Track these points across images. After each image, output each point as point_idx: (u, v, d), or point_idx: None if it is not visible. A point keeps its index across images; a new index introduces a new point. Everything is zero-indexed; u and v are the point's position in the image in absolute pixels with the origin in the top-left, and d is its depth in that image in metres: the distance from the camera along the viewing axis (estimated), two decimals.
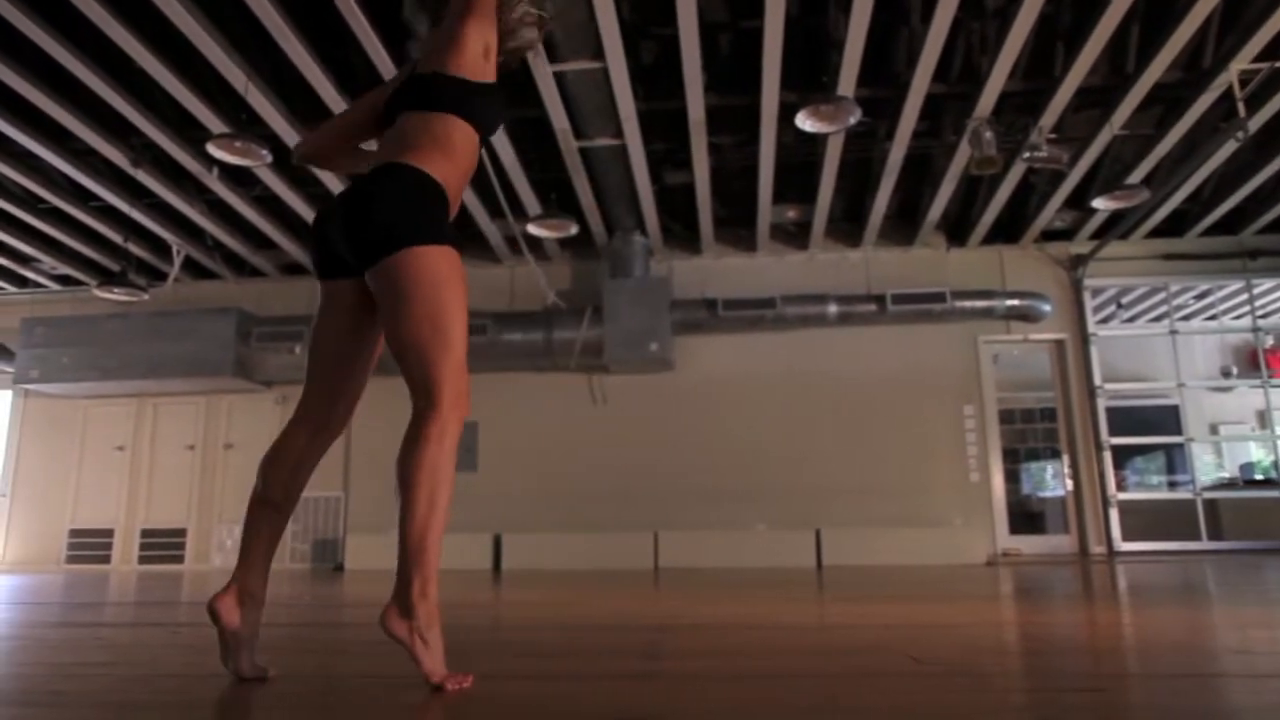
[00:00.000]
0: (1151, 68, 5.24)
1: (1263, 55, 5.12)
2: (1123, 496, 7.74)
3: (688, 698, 1.44)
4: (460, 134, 1.69)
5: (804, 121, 5.31)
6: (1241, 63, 5.16)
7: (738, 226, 8.06)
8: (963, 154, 6.15)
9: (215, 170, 6.30)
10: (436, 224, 1.58)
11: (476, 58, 1.73)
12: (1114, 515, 7.60)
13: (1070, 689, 1.49)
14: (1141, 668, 1.73)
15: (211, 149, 5.25)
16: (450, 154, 1.67)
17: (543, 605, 3.48)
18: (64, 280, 8.65)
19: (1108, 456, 7.71)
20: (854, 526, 7.47)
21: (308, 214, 7.18)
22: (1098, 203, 6.36)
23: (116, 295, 7.34)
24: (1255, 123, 5.63)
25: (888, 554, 7.17)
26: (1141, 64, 5.32)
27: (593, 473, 7.85)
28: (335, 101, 5.41)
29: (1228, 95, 5.44)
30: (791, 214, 7.85)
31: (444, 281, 1.54)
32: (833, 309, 7.84)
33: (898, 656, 1.85)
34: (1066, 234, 8.02)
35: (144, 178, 6.40)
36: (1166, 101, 5.93)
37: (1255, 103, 5.46)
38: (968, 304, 7.84)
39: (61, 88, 5.37)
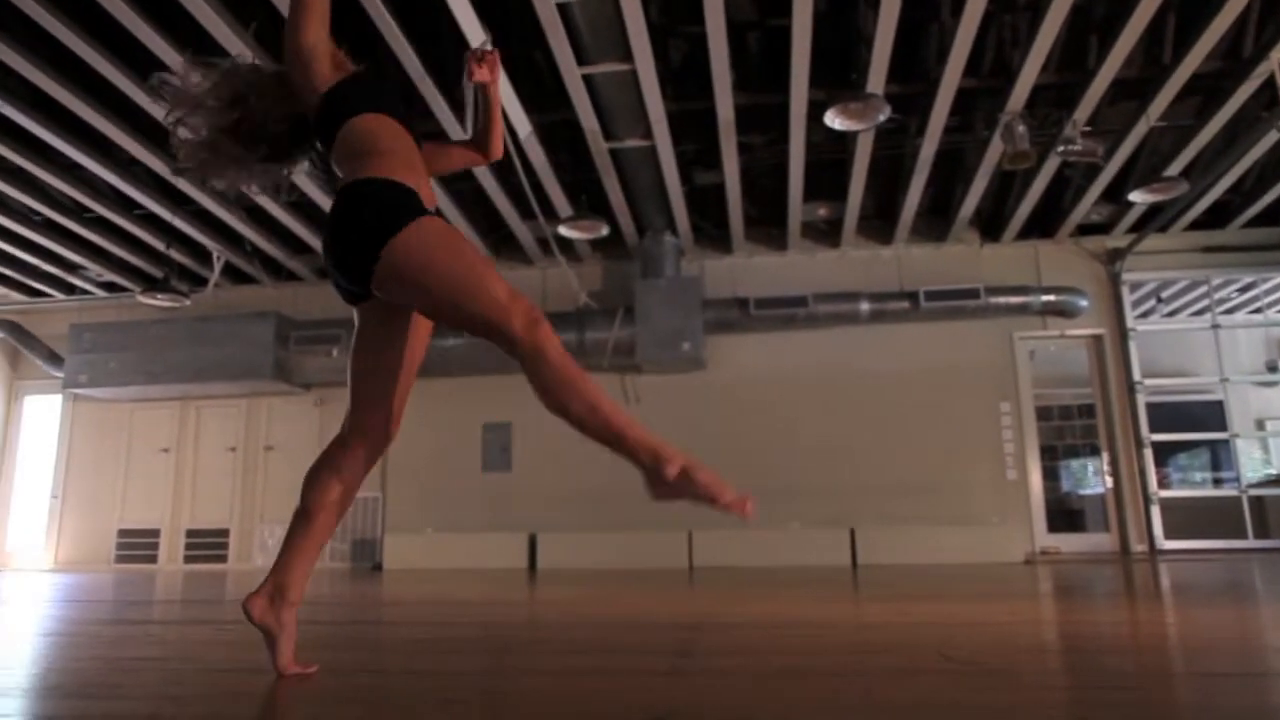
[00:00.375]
0: (1189, 58, 5.14)
1: None
2: (1165, 494, 7.60)
3: (719, 694, 1.46)
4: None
5: (833, 120, 5.29)
6: None
7: (768, 225, 8.04)
8: (995, 149, 6.09)
9: None
10: (394, 211, 1.57)
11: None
12: (1156, 513, 7.46)
13: (1105, 686, 1.48)
14: (1184, 666, 1.71)
15: None
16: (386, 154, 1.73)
17: (577, 603, 3.52)
18: (109, 287, 8.88)
19: (1148, 453, 7.58)
20: (888, 525, 7.42)
21: None
22: (1135, 196, 6.25)
23: (160, 301, 7.52)
24: None
25: (923, 553, 7.12)
26: (1179, 54, 5.23)
27: (626, 472, 7.81)
28: None
29: (1269, 84, 5.32)
30: (822, 212, 7.82)
31: (429, 250, 1.52)
32: (865, 307, 7.79)
33: (931, 654, 1.85)
34: (1103, 228, 7.89)
35: (184, 185, 6.55)
36: (1205, 92, 5.82)
37: None
38: (1003, 300, 7.75)
39: (105, 99, 5.51)
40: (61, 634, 2.56)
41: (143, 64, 5.10)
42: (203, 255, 8.09)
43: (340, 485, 1.71)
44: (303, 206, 7.24)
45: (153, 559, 8.71)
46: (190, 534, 8.72)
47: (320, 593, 4.50)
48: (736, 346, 8.10)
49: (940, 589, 4.01)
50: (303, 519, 1.70)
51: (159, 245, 7.70)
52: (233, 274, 8.65)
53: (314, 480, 1.71)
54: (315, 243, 7.81)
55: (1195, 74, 5.35)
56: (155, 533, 8.77)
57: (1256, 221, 7.64)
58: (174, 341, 8.35)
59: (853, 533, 7.41)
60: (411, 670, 1.79)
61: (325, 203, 6.99)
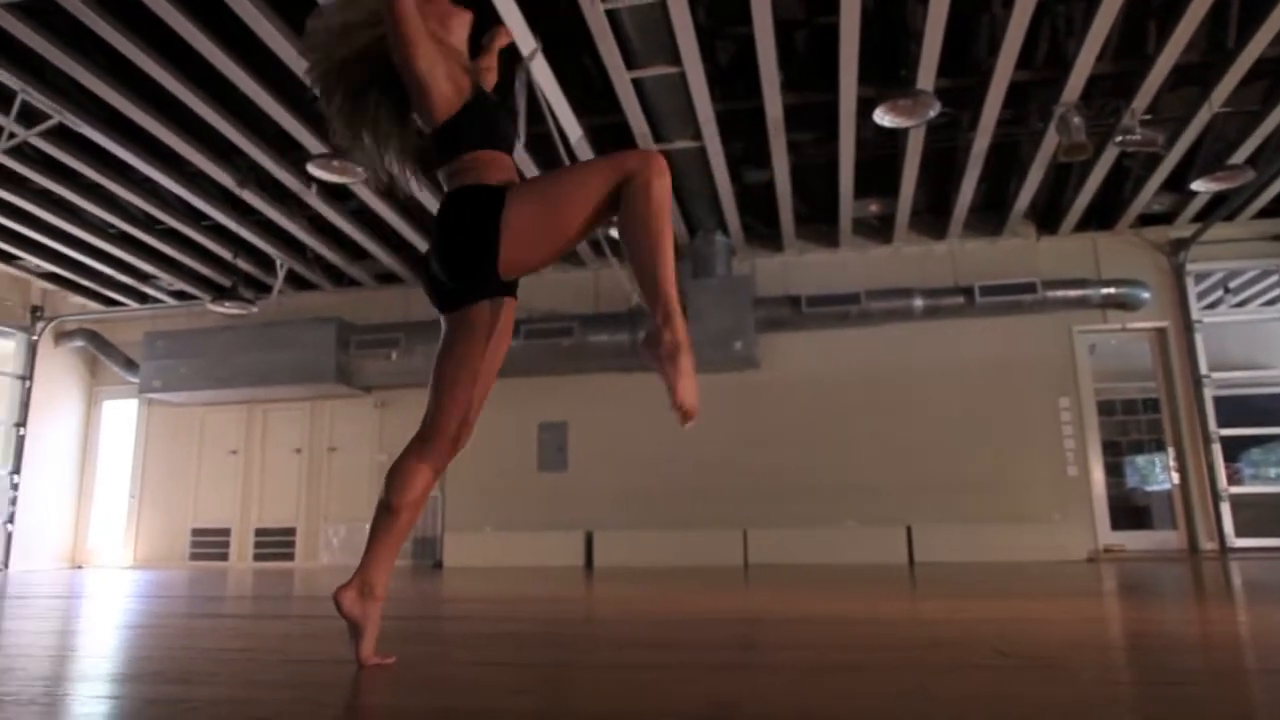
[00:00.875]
0: (1255, 40, 4.99)
1: None
2: (1235, 490, 7.38)
3: (779, 687, 1.51)
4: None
5: (882, 117, 5.27)
6: None
7: (819, 222, 8.02)
8: (1051, 141, 5.99)
9: (314, 187, 6.64)
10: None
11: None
12: (1226, 510, 7.25)
13: (1169, 683, 1.49)
14: (1256, 663, 1.70)
15: (311, 168, 5.54)
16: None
17: (635, 600, 3.59)
18: (180, 295, 9.23)
19: (1217, 448, 7.37)
20: (946, 523, 7.35)
21: (400, 225, 7.49)
22: (1198, 185, 6.10)
23: (229, 309, 7.79)
24: None
25: (981, 550, 7.04)
26: (1243, 38, 5.08)
27: (681, 471, 7.93)
28: None
29: None
30: (874, 208, 7.76)
31: (539, 190, 1.77)
32: (919, 303, 7.72)
33: (988, 650, 1.87)
34: (1165, 218, 7.69)
35: (249, 197, 6.80)
36: (1272, 76, 5.65)
37: None
38: (1060, 294, 7.60)
39: (174, 115, 5.75)
40: (154, 626, 2.71)
41: (211, 82, 5.33)
42: (266, 263, 8.37)
43: (423, 483, 1.81)
44: (361, 214, 7.45)
45: (224, 557, 9.03)
46: (259, 533, 9.02)
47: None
48: (789, 345, 8.09)
49: (998, 587, 3.98)
50: (388, 515, 1.79)
51: (225, 255, 7.99)
52: (295, 281, 8.92)
53: (398, 478, 1.80)
54: (374, 249, 8.03)
55: (1261, 57, 5.19)
56: (226, 531, 9.09)
57: None
58: (240, 347, 8.65)
59: (909, 530, 7.36)
60: (481, 662, 1.87)
61: (383, 212, 7.19)
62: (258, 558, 8.96)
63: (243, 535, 9.06)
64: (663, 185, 1.67)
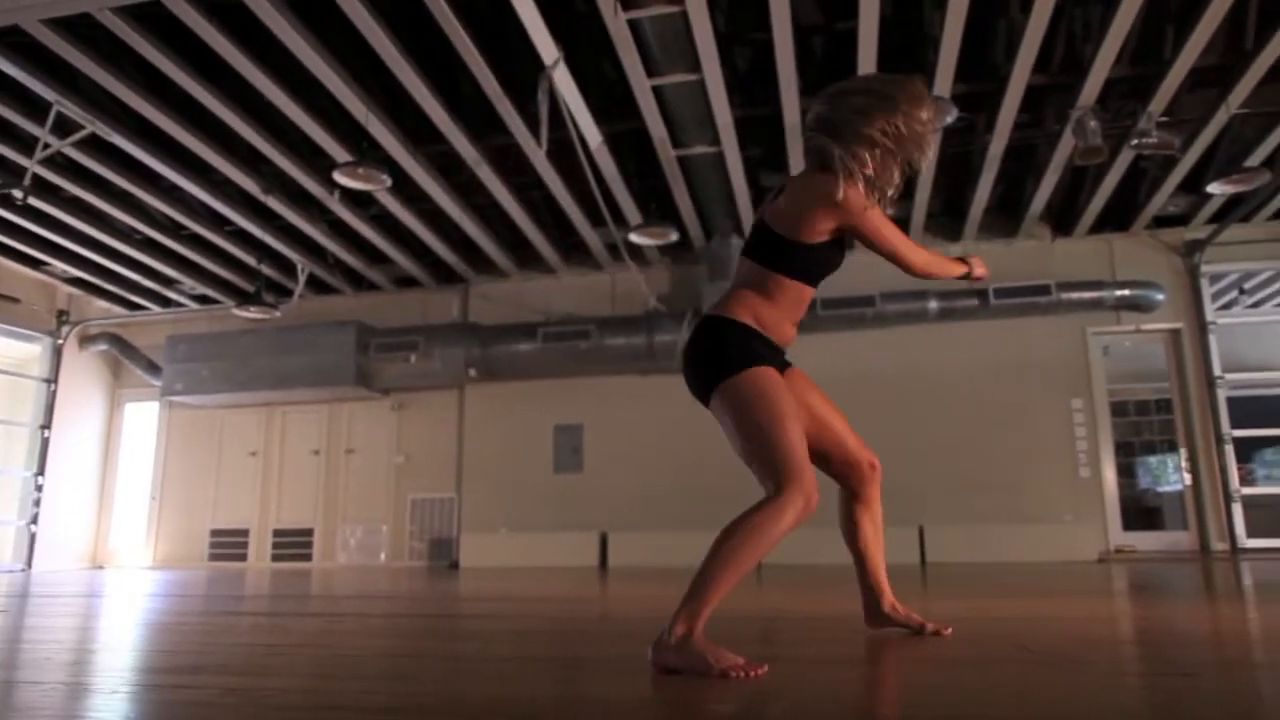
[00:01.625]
0: (1273, 43, 5.02)
1: None
2: (1247, 491, 7.40)
3: (806, 678, 1.58)
4: (774, 282, 1.92)
5: None
6: None
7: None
8: (1067, 144, 6.02)
9: (336, 193, 6.74)
10: (731, 358, 1.83)
11: (811, 231, 1.90)
12: (1238, 510, 7.28)
13: (1179, 674, 1.56)
14: (1264, 657, 1.77)
15: (337, 176, 5.63)
16: (765, 295, 1.92)
17: (656, 600, 3.66)
18: (202, 299, 9.36)
19: (1229, 449, 7.39)
20: (958, 523, 7.40)
21: (420, 230, 7.59)
22: (1214, 187, 6.11)
23: (254, 314, 7.90)
24: None
25: (993, 550, 7.08)
26: (1261, 39, 5.11)
27: (695, 472, 7.99)
28: (447, 126, 5.74)
29: None
30: (889, 211, 7.80)
31: (750, 403, 1.80)
32: (934, 305, 7.77)
33: (1007, 646, 1.94)
34: (1181, 219, 7.72)
35: (274, 203, 6.90)
36: None
37: None
38: (1075, 295, 7.64)
39: (203, 125, 5.88)
40: (202, 623, 2.80)
41: (240, 91, 5.44)
42: (288, 268, 8.48)
43: (869, 524, 2.21)
44: (382, 219, 7.55)
45: (243, 557, 9.15)
46: (277, 533, 9.14)
47: (400, 588, 4.73)
48: (804, 347, 8.00)
49: (1012, 586, 4.04)
50: (859, 564, 2.20)
51: (247, 259, 8.11)
52: (315, 285, 9.03)
53: (849, 531, 2.22)
54: (394, 254, 8.13)
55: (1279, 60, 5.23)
56: (245, 532, 9.21)
57: None
58: (260, 350, 8.76)
59: (921, 530, 7.40)
60: (519, 657, 1.95)
61: (404, 216, 7.28)
62: (275, 558, 9.08)
63: (261, 536, 9.17)
64: (788, 525, 1.78)
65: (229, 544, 9.21)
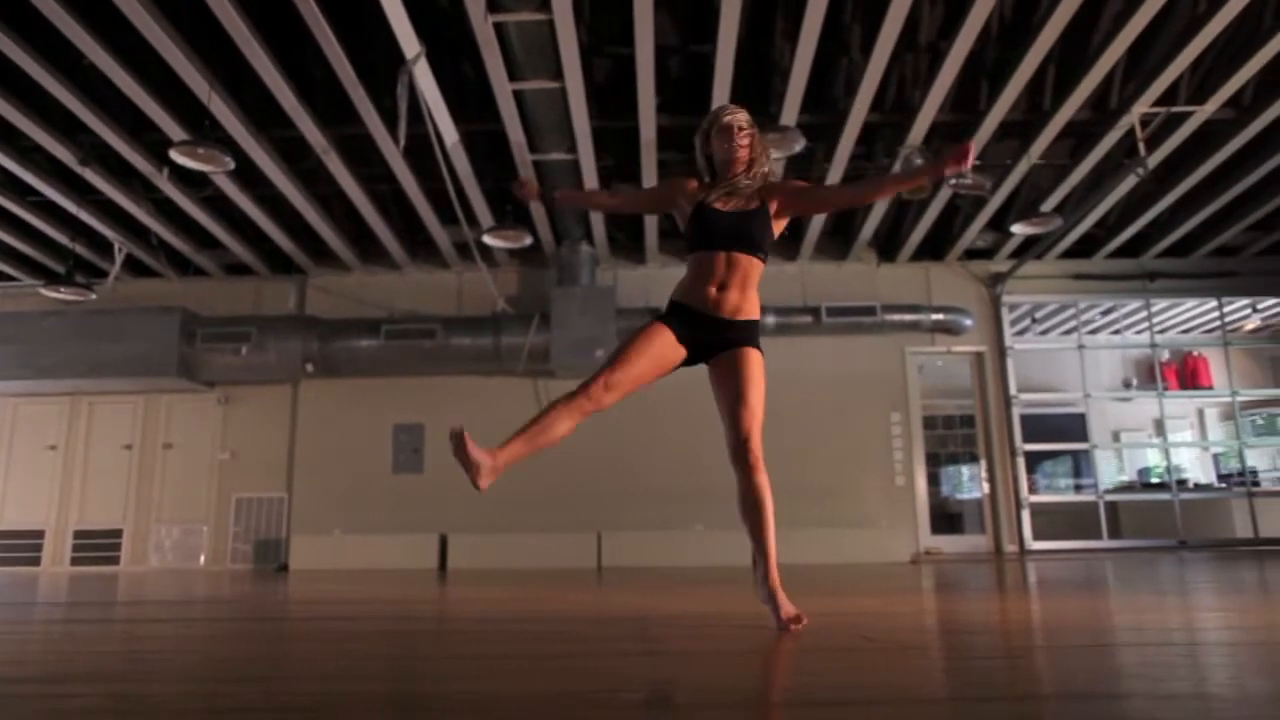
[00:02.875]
0: (1066, 106, 5.73)
1: (1162, 100, 5.65)
2: (1034, 499, 8.31)
3: (696, 670, 1.69)
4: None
5: None
6: (1143, 106, 5.68)
7: (681, 238, 8.34)
8: None
9: (166, 171, 6.29)
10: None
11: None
12: (1026, 516, 8.16)
13: (978, 657, 1.79)
14: (1044, 641, 2.05)
15: (175, 155, 5.27)
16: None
17: (517, 601, 3.69)
18: None
19: (1021, 461, 8.28)
20: (785, 528, 7.69)
21: (257, 215, 7.21)
22: (1016, 227, 6.86)
23: (64, 295, 7.22)
24: (1154, 159, 6.21)
25: (816, 553, 7.53)
26: (1057, 102, 5.81)
27: (537, 474, 7.98)
28: (295, 110, 5.50)
29: (1131, 134, 5.98)
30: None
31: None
32: (770, 320, 8.20)
33: (853, 637, 2.14)
34: (987, 253, 8.57)
35: (91, 176, 6.35)
36: (1078, 136, 6.46)
37: (1155, 142, 6.03)
38: (896, 317, 8.30)
39: (6, 80, 5.32)
40: (49, 632, 2.58)
41: (48, 46, 4.97)
42: (102, 246, 7.81)
43: (744, 503, 2.67)
44: (215, 201, 7.11)
45: (35, 561, 8.32)
46: (79, 535, 8.38)
47: (222, 593, 4.50)
48: None
49: (842, 586, 4.36)
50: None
51: (52, 233, 7.40)
52: (134, 267, 8.36)
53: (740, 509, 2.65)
54: (226, 239, 7.67)
55: (1070, 120, 5.95)
56: (39, 534, 8.39)
57: (1118, 254, 8.46)
58: (65, 334, 8.01)
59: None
60: (445, 656, 1.95)
61: (241, 200, 6.89)
62: (76, 561, 8.33)
63: (59, 537, 8.39)
64: (574, 407, 2.41)
65: (19, 546, 8.35)
